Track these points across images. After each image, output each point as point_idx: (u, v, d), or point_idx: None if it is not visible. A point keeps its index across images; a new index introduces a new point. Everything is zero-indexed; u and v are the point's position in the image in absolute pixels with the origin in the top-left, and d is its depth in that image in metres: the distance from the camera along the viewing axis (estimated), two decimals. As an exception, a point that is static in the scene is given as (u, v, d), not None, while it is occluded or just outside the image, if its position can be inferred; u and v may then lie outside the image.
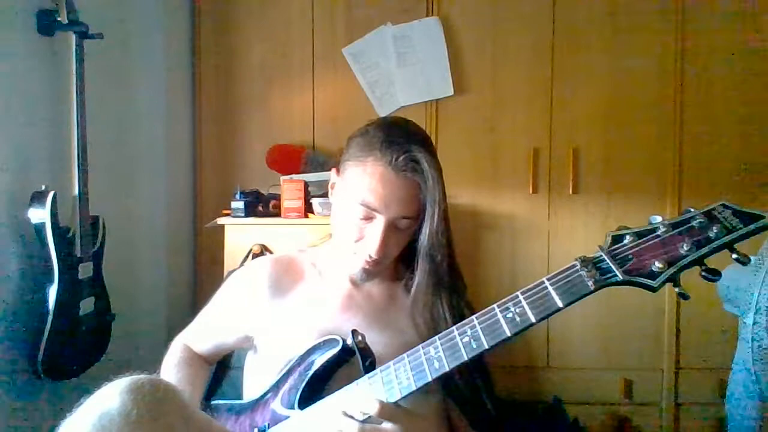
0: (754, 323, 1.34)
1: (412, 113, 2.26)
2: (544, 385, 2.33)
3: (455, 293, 1.03)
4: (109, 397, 0.77)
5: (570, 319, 2.31)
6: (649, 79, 2.31)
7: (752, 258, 1.35)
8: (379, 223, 0.98)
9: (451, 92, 2.33)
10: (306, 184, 2.01)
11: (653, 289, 0.73)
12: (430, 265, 1.00)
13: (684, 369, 2.30)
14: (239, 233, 1.99)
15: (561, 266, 0.78)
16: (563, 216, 2.33)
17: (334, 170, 1.09)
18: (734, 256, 0.71)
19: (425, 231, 0.99)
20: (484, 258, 2.34)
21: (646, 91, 2.31)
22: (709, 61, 2.29)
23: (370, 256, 1.00)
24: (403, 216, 0.98)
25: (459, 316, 0.98)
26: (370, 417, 0.81)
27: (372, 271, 1.04)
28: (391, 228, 0.99)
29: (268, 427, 0.95)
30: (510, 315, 0.78)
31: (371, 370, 0.88)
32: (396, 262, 1.12)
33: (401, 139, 0.97)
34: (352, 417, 0.81)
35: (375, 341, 0.93)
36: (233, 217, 2.00)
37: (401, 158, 0.95)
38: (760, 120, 2.28)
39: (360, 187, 0.98)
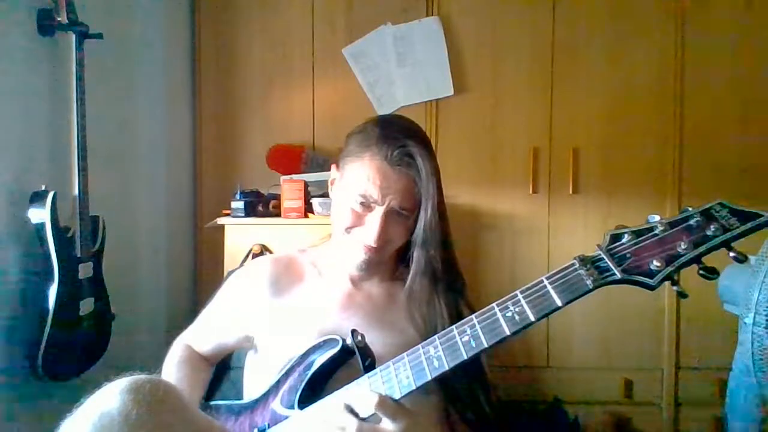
0: (754, 323, 1.35)
1: (412, 113, 2.26)
2: (544, 385, 2.33)
3: (452, 290, 1.04)
4: (110, 397, 0.77)
5: (570, 319, 2.31)
6: (649, 79, 2.31)
7: (752, 258, 1.35)
8: (378, 212, 1.00)
9: (451, 92, 2.34)
10: (306, 184, 2.02)
11: (652, 288, 0.74)
12: (425, 256, 1.02)
13: (684, 369, 2.30)
14: (239, 233, 1.99)
15: (561, 266, 0.78)
16: (563, 216, 2.33)
17: (334, 166, 1.11)
18: (732, 254, 0.71)
19: (420, 223, 1.01)
20: (484, 258, 2.34)
21: (646, 92, 2.32)
22: (709, 61, 2.29)
23: (369, 246, 1.02)
24: (400, 207, 1.00)
25: (456, 313, 0.99)
26: (371, 416, 0.81)
27: (372, 260, 1.05)
28: (388, 217, 1.01)
29: (268, 427, 0.95)
30: (509, 314, 0.78)
31: (371, 370, 0.89)
32: (395, 262, 1.13)
33: (398, 134, 1.00)
34: (353, 413, 0.81)
35: (375, 341, 0.93)
36: (233, 217, 2.00)
37: (396, 153, 0.98)
38: (760, 120, 2.28)
39: (359, 180, 1.00)
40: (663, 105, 2.31)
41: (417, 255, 1.03)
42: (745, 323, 1.38)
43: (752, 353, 1.36)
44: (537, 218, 2.34)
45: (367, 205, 1.01)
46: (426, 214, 1.00)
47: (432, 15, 2.35)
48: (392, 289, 1.12)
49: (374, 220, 1.01)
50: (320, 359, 0.93)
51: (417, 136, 1.02)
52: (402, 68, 2.36)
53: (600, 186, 2.32)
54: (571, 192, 2.31)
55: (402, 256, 1.11)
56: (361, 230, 1.03)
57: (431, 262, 1.02)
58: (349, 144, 1.06)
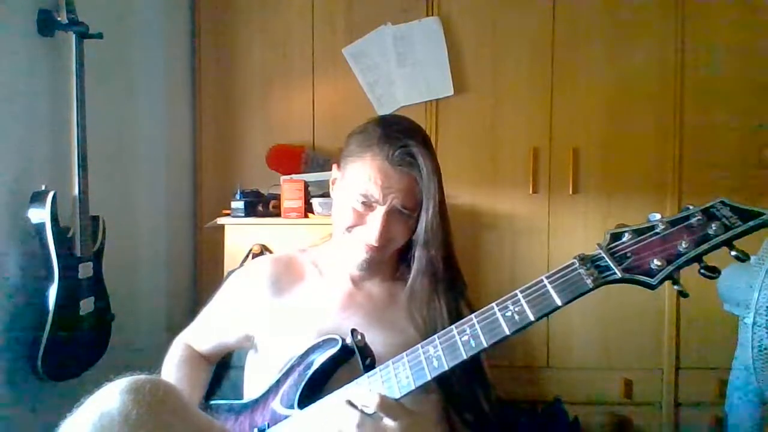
0: (754, 323, 1.34)
1: (412, 113, 2.25)
2: (544, 385, 2.32)
3: (453, 291, 1.04)
4: (110, 397, 0.78)
5: (570, 319, 2.31)
6: (649, 78, 2.31)
7: (752, 257, 1.35)
8: (379, 211, 1.00)
9: (451, 92, 2.33)
10: (306, 184, 2.01)
11: (652, 287, 0.73)
12: (426, 256, 1.02)
13: (684, 369, 2.30)
14: (239, 233, 1.99)
15: (561, 266, 0.78)
16: (563, 216, 2.33)
17: (335, 166, 1.11)
18: (733, 253, 0.70)
19: (421, 223, 1.01)
20: (483, 258, 2.34)
21: (646, 91, 2.31)
22: (710, 60, 2.29)
23: (371, 245, 1.02)
24: (402, 206, 1.00)
25: (456, 314, 0.99)
26: (372, 415, 0.81)
27: (373, 260, 1.05)
28: (390, 215, 1.01)
29: (268, 427, 0.95)
30: (509, 314, 0.78)
31: (371, 370, 0.89)
32: (396, 261, 1.13)
33: (398, 134, 1.00)
34: (353, 407, 0.81)
35: (375, 340, 0.94)
36: (233, 217, 2.00)
37: (397, 153, 0.98)
38: (761, 119, 2.27)
39: (360, 180, 1.00)
40: (663, 105, 2.31)
41: (418, 255, 1.03)
42: (745, 323, 1.37)
43: (752, 353, 1.36)
44: (537, 218, 2.34)
45: (368, 205, 1.01)
46: (427, 214, 1.00)
47: (432, 15, 2.35)
48: (393, 288, 1.12)
49: (376, 219, 1.01)
50: (320, 359, 0.93)
51: (418, 136, 1.02)
52: (402, 68, 2.36)
53: (600, 186, 2.32)
54: (571, 192, 2.31)
55: (403, 256, 1.11)
56: (362, 229, 1.03)
57: (433, 262, 1.02)
58: (350, 144, 1.06)
